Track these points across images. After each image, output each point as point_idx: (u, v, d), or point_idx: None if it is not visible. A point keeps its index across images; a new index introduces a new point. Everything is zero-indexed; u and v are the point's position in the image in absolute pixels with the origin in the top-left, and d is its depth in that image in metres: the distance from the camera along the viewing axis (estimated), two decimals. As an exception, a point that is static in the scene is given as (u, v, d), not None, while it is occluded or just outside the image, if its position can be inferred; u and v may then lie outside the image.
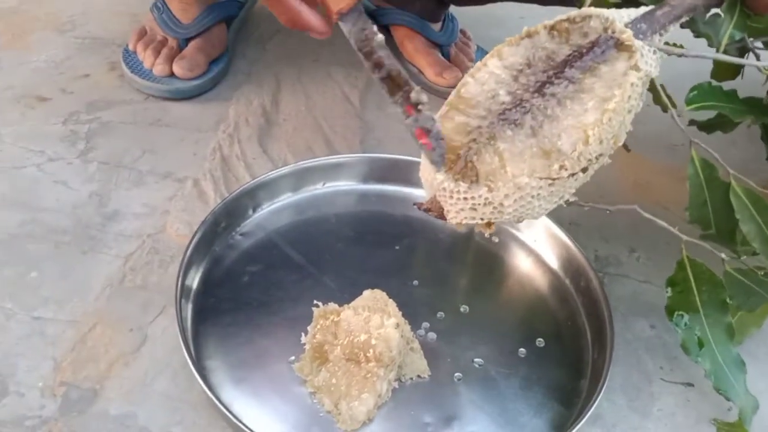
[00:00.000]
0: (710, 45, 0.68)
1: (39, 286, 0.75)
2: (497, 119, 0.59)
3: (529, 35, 0.62)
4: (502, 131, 0.59)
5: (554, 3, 0.65)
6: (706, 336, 0.66)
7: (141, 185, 0.88)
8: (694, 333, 0.66)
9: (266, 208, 0.83)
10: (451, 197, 0.58)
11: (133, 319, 0.73)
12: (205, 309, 0.72)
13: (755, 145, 0.85)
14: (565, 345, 0.73)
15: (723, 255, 0.67)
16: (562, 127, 0.57)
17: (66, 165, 0.89)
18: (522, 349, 0.72)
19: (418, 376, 0.68)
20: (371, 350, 0.64)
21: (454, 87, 0.65)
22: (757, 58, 0.71)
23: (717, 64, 0.75)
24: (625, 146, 0.80)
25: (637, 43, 0.58)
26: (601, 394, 0.65)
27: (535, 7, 1.04)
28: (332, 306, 0.69)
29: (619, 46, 0.58)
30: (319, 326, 0.67)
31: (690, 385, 0.73)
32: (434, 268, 0.80)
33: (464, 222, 0.60)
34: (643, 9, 0.61)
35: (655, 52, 0.60)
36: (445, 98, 0.65)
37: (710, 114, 0.75)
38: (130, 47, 1.04)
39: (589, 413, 0.64)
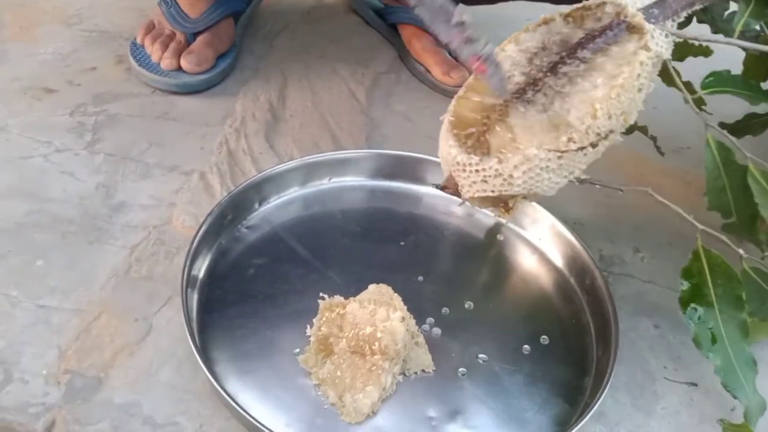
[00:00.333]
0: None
1: (45, 275, 0.75)
2: (511, 97, 0.61)
3: (545, 22, 0.64)
4: (514, 108, 0.60)
5: (566, 2, 0.66)
6: (720, 332, 0.65)
7: (147, 177, 0.88)
8: (708, 327, 0.65)
9: (272, 202, 0.83)
10: (464, 170, 0.60)
11: (138, 309, 0.73)
12: (210, 300, 0.72)
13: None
14: (569, 343, 0.73)
15: (741, 251, 0.66)
16: (572, 102, 0.59)
17: (73, 156, 0.89)
18: (526, 346, 0.72)
19: (423, 370, 0.68)
20: (376, 343, 0.64)
21: (461, 86, 0.67)
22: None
23: (747, 64, 0.75)
24: (658, 149, 0.81)
25: (648, 26, 0.60)
26: (605, 392, 0.65)
27: (547, 6, 1.04)
28: (338, 299, 0.69)
29: (631, 29, 0.60)
30: (324, 318, 0.67)
31: (694, 384, 0.73)
32: (439, 264, 0.80)
33: (477, 195, 0.61)
34: None
35: (666, 36, 0.61)
36: (452, 97, 0.66)
37: (738, 116, 0.75)
38: (138, 41, 1.04)
39: (593, 411, 0.64)
